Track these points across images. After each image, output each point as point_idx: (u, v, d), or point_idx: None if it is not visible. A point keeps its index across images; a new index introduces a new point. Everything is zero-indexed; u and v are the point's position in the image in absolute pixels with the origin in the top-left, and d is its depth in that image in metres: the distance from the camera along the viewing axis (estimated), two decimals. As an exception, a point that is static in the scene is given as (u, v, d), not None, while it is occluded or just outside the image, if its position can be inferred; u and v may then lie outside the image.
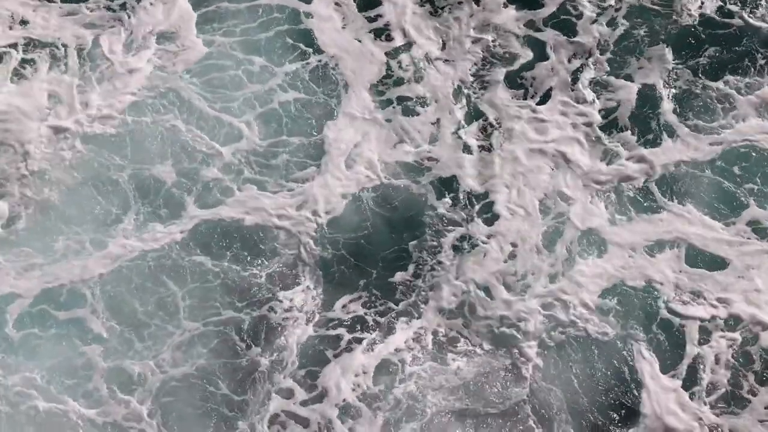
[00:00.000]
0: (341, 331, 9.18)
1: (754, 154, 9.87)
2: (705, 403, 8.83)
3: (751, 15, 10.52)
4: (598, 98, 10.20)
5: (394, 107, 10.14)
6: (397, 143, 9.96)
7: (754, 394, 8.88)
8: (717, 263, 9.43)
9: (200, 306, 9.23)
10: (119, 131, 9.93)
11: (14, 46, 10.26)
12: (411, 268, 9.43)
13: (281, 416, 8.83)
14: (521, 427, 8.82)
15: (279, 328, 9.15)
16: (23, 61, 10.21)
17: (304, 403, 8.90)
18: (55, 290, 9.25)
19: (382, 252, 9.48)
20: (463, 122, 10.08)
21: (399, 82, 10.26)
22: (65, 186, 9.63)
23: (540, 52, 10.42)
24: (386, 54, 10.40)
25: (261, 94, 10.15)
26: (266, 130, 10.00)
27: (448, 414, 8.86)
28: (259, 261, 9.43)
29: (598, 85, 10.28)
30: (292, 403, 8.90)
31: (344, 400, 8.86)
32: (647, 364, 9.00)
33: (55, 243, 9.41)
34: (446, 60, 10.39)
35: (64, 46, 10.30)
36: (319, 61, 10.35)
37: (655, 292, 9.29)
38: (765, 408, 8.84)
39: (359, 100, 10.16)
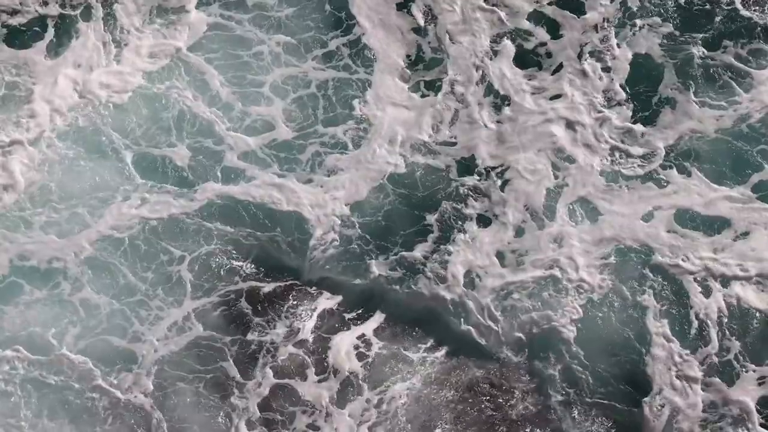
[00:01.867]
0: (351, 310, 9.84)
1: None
2: (702, 363, 9.34)
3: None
4: (603, 71, 10.68)
5: (420, 86, 10.70)
6: (421, 122, 10.48)
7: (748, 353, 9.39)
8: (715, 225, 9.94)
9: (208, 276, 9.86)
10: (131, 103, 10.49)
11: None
12: (431, 239, 10.00)
13: (287, 389, 9.40)
14: (523, 379, 9.46)
15: (293, 301, 9.78)
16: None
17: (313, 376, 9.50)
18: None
19: (404, 229, 10.05)
20: (481, 98, 10.59)
21: (422, 59, 10.84)
22: (74, 157, 10.15)
23: (549, 27, 10.94)
24: (413, 30, 10.93)
25: (288, 74, 10.69)
26: (289, 111, 10.53)
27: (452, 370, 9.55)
28: (279, 238, 10.03)
29: (602, 58, 10.76)
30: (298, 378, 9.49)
31: (352, 373, 9.45)
32: (649, 323, 9.51)
33: (62, 212, 9.96)
34: (465, 35, 10.90)
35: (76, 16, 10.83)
36: (350, 36, 10.91)
37: (654, 253, 9.78)
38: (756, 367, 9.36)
39: (387, 80, 10.71)
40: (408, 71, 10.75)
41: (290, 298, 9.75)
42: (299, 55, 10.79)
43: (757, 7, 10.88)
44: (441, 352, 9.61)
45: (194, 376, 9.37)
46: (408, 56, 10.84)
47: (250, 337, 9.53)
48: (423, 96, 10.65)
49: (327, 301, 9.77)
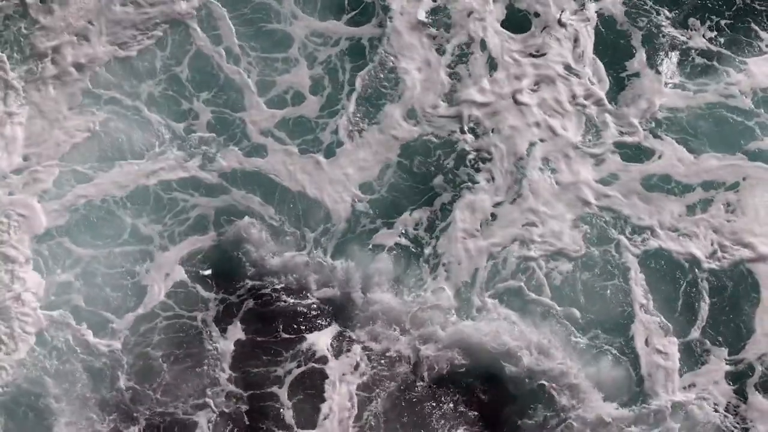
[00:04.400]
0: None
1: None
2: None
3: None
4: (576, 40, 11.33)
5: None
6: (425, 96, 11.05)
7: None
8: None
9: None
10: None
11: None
12: (437, 204, 10.66)
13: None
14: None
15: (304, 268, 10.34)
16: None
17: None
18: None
19: (412, 198, 10.67)
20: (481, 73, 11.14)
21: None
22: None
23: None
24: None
25: (305, 49, 11.18)
26: (308, 86, 11.05)
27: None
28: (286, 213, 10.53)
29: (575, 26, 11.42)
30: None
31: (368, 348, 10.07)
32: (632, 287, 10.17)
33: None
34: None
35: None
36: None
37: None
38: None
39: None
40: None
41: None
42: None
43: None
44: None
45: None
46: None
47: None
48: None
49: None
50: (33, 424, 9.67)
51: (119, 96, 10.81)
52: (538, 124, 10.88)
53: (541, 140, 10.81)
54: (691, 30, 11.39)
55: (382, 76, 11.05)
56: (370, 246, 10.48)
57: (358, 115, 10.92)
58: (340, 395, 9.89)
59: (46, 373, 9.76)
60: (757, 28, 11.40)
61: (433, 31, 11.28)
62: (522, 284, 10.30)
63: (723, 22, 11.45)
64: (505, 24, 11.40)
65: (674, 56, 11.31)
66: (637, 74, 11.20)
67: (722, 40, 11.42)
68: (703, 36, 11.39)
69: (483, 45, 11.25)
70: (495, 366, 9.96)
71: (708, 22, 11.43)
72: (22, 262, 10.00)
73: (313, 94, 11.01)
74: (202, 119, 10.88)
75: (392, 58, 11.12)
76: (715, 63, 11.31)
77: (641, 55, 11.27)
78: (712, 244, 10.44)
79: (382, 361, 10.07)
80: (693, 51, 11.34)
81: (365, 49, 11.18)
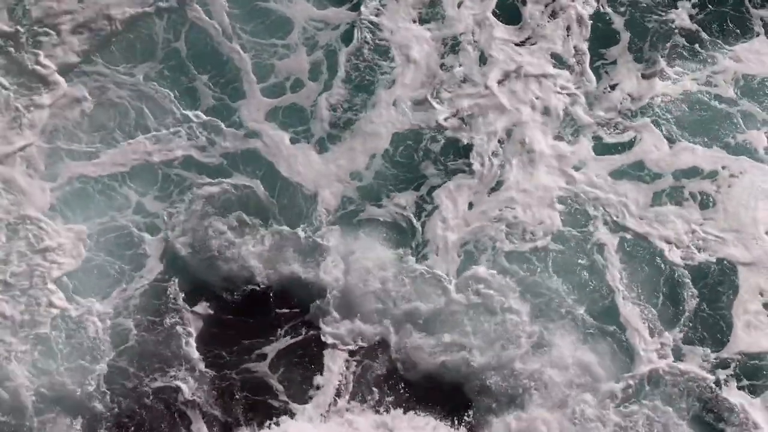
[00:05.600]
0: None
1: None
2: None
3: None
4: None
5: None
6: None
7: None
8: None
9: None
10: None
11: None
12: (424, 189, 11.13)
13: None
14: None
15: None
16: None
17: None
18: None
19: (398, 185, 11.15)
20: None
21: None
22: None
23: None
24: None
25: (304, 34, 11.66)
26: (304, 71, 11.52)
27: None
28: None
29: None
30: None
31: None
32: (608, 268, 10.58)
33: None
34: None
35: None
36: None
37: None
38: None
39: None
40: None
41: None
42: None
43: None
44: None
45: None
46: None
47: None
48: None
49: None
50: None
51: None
52: (521, 112, 11.30)
53: (523, 128, 11.22)
54: (678, 11, 11.74)
55: (374, 64, 11.52)
56: (357, 226, 10.89)
57: (348, 102, 11.38)
58: (333, 364, 10.41)
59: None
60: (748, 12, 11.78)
61: (428, 23, 11.77)
62: (502, 266, 10.71)
63: (710, 7, 11.76)
64: (497, 14, 11.84)
65: (657, 42, 11.63)
66: (616, 61, 11.54)
67: (710, 24, 11.71)
68: (690, 19, 11.72)
69: (474, 35, 11.69)
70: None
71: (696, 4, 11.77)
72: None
73: (312, 81, 11.48)
74: (200, 100, 11.38)
75: (384, 46, 11.60)
76: (699, 48, 11.61)
77: (623, 41, 11.62)
78: (687, 233, 10.75)
79: (366, 340, 10.57)
80: (677, 36, 11.65)
81: (356, 36, 11.63)
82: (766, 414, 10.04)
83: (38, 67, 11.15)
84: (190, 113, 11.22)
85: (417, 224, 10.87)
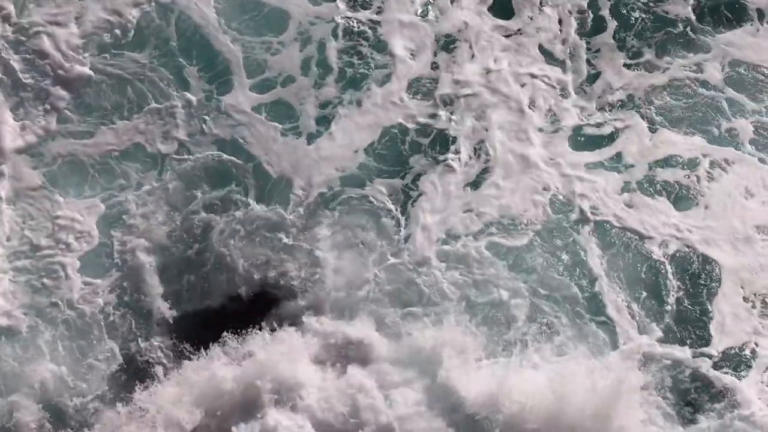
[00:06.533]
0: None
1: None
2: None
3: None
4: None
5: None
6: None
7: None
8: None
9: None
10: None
11: None
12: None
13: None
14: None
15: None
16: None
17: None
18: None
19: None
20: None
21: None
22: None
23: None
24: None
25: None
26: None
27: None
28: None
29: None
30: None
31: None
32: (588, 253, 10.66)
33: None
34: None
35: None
36: None
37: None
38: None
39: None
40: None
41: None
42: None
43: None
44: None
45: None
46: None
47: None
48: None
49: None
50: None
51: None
52: (508, 104, 11.43)
53: (507, 118, 11.32)
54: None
55: (368, 59, 11.73)
56: (338, 213, 10.92)
57: (340, 97, 11.54)
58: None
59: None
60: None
61: (423, 18, 11.97)
62: (483, 255, 10.71)
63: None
64: (491, 9, 12.01)
65: (644, 31, 11.66)
66: (599, 50, 11.63)
67: (702, 13, 11.79)
68: (681, 7, 11.81)
69: (468, 29, 11.85)
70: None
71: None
72: None
73: (304, 76, 11.65)
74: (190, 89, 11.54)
75: (379, 41, 11.81)
76: (689, 37, 11.65)
77: (609, 29, 11.69)
78: (668, 225, 10.73)
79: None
80: (667, 25, 11.72)
81: (352, 32, 11.85)
82: (755, 390, 10.03)
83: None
84: (176, 101, 11.41)
85: (397, 212, 10.92)
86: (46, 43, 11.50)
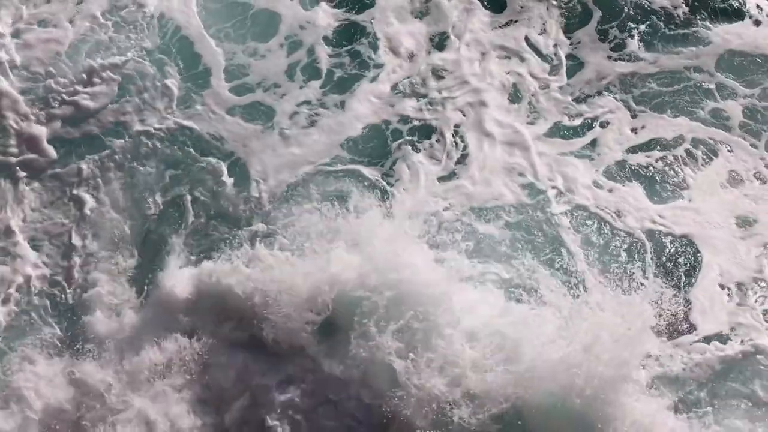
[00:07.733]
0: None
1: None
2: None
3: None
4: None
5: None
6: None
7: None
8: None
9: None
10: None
11: None
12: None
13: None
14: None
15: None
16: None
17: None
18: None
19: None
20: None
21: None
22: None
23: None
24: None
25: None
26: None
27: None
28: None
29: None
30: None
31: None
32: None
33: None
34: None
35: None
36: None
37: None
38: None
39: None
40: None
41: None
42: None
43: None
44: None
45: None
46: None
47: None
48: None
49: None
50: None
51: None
52: (488, 92, 11.37)
53: (487, 108, 11.26)
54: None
55: (355, 59, 11.88)
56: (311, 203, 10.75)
57: (323, 96, 11.54)
58: None
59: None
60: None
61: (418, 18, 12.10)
62: (464, 242, 10.62)
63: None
64: (485, 4, 12.05)
65: (627, 21, 11.47)
66: (582, 42, 11.50)
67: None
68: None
69: (460, 28, 11.90)
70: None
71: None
72: None
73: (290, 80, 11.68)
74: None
75: (372, 40, 11.98)
76: (676, 26, 11.38)
77: (594, 19, 11.54)
78: (649, 209, 10.47)
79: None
80: (653, 13, 11.48)
81: (343, 32, 12.01)
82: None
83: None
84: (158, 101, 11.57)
85: (375, 198, 10.73)
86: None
